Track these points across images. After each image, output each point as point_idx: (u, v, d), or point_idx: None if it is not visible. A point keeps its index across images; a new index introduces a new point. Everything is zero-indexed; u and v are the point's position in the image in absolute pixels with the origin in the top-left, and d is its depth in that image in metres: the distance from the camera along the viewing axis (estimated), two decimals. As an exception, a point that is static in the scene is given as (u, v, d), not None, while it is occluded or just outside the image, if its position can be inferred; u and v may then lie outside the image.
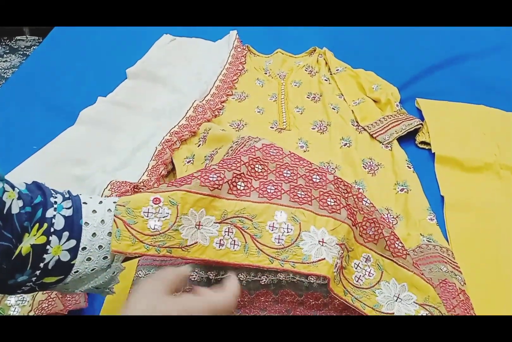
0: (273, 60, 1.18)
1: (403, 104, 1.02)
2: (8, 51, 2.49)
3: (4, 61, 2.40)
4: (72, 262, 0.41)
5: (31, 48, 2.50)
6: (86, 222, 0.42)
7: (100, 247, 0.43)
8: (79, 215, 0.42)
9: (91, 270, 0.43)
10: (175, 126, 0.90)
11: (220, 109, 1.00)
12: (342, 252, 0.51)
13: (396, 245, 0.55)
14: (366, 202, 0.57)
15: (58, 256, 0.40)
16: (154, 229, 0.46)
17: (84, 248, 0.41)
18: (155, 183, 0.79)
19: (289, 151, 0.58)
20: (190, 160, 0.85)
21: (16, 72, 1.17)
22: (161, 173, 0.82)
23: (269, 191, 0.53)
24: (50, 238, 0.40)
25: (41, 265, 0.40)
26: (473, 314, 0.61)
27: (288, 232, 0.51)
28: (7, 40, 2.58)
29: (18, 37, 2.60)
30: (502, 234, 0.75)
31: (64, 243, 0.40)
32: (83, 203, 0.44)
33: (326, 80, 1.10)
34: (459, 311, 0.59)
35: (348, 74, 1.10)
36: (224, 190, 0.51)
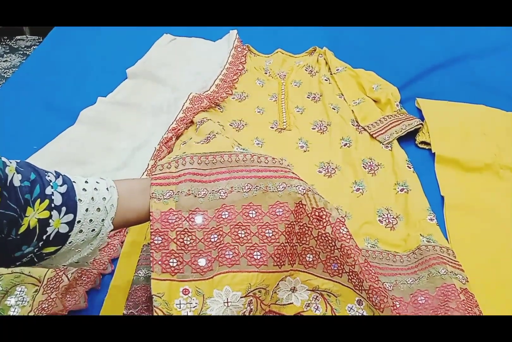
0: (273, 60, 1.18)
1: (403, 104, 1.02)
2: (8, 51, 2.49)
3: (4, 61, 2.40)
4: (69, 234, 0.46)
5: (31, 48, 2.50)
6: (79, 199, 0.47)
7: (90, 220, 0.48)
8: (74, 192, 0.47)
9: (81, 241, 0.48)
10: (173, 123, 0.90)
11: (220, 102, 1.00)
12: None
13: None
14: (343, 230, 0.58)
15: (58, 228, 0.45)
16: None
17: (79, 221, 0.47)
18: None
19: (241, 208, 0.57)
20: (185, 142, 0.83)
21: (16, 72, 1.17)
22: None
23: (227, 257, 0.55)
24: (52, 212, 0.44)
25: (44, 236, 0.44)
26: (477, 312, 0.61)
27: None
28: (7, 40, 2.58)
29: (18, 37, 2.60)
30: (502, 234, 0.75)
31: (63, 217, 0.45)
32: (73, 181, 0.48)
33: (326, 80, 1.10)
34: (458, 313, 0.59)
35: (348, 74, 1.10)
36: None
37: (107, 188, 0.50)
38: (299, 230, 0.59)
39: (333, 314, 0.58)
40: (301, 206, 0.57)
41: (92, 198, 0.48)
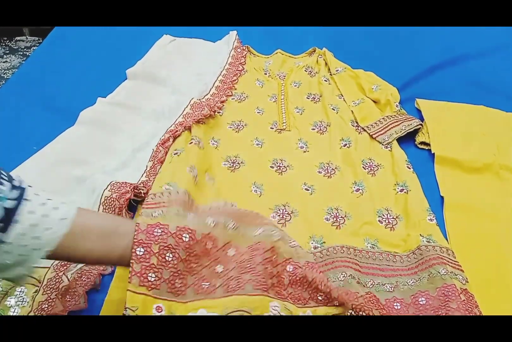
0: (273, 61, 1.18)
1: (402, 105, 1.02)
2: (8, 51, 2.49)
3: (4, 62, 2.40)
4: None
5: (31, 49, 2.50)
6: (17, 220, 0.43)
7: (24, 245, 0.44)
8: (15, 211, 0.43)
9: (5, 261, 0.44)
10: (172, 125, 0.90)
11: (220, 109, 1.00)
12: None
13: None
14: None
15: None
16: None
17: (9, 243, 0.43)
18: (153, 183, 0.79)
19: (222, 244, 0.57)
20: (177, 153, 0.84)
21: (16, 73, 1.17)
22: (158, 172, 0.82)
23: (204, 287, 0.54)
24: None
25: None
26: (477, 312, 0.61)
27: None
28: (7, 41, 2.58)
29: (18, 38, 2.60)
30: (502, 235, 0.75)
31: None
32: (26, 199, 0.45)
33: (326, 81, 1.10)
34: (459, 314, 0.59)
35: (347, 74, 1.10)
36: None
37: (60, 218, 0.46)
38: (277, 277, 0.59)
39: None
40: (274, 251, 0.58)
41: (36, 224, 0.44)
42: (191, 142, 0.84)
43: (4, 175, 0.45)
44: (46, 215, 0.45)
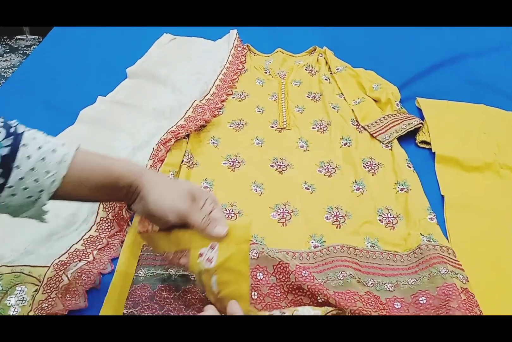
0: (273, 60, 1.18)
1: (403, 104, 1.02)
2: (8, 50, 2.49)
3: (4, 61, 2.40)
4: None
5: (31, 48, 2.50)
6: (18, 166, 0.45)
7: (25, 188, 0.47)
8: (14, 157, 0.45)
9: (16, 204, 0.47)
10: (173, 127, 0.90)
11: (220, 109, 1.00)
12: None
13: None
14: (305, 273, 0.59)
15: None
16: None
17: (10, 187, 0.46)
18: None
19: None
20: (173, 174, 0.83)
21: (16, 72, 1.17)
22: (158, 170, 0.82)
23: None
24: None
25: None
26: (478, 311, 0.61)
27: None
28: (7, 40, 2.58)
29: (18, 37, 2.60)
30: (502, 234, 0.75)
31: None
32: (23, 144, 0.46)
33: (326, 80, 1.10)
34: (460, 313, 0.59)
35: (348, 73, 1.10)
36: None
37: (58, 161, 0.48)
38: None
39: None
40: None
41: (33, 168, 0.46)
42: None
43: (1, 122, 0.47)
44: (44, 158, 0.47)
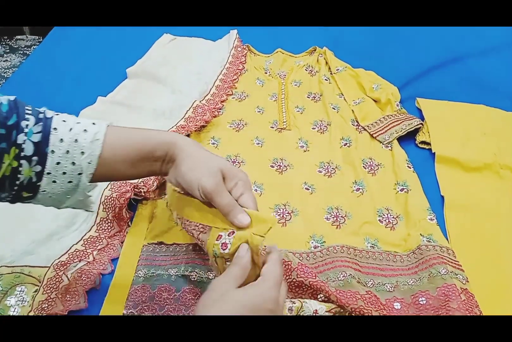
0: (273, 60, 1.17)
1: (403, 104, 1.02)
2: (8, 50, 2.49)
3: (4, 61, 2.40)
4: (38, 184, 0.46)
5: (31, 48, 2.50)
6: (52, 150, 0.45)
7: (64, 173, 0.46)
8: (47, 142, 0.45)
9: (58, 191, 0.47)
10: (173, 127, 0.90)
11: (220, 109, 1.00)
12: None
13: None
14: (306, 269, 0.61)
15: (30, 176, 0.45)
16: None
17: (49, 173, 0.46)
18: (154, 182, 0.79)
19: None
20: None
21: (16, 72, 1.17)
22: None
23: None
24: (21, 161, 0.44)
25: (17, 182, 0.45)
26: (478, 312, 0.61)
27: None
28: (7, 40, 2.58)
29: (18, 37, 2.60)
30: (502, 234, 0.75)
31: (33, 166, 0.45)
32: (53, 128, 0.46)
33: (326, 80, 1.10)
34: (459, 314, 0.59)
35: (348, 73, 1.10)
36: None
37: (91, 140, 0.47)
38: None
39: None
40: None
41: (68, 151, 0.46)
42: None
43: (29, 110, 0.46)
44: (76, 139, 0.47)
